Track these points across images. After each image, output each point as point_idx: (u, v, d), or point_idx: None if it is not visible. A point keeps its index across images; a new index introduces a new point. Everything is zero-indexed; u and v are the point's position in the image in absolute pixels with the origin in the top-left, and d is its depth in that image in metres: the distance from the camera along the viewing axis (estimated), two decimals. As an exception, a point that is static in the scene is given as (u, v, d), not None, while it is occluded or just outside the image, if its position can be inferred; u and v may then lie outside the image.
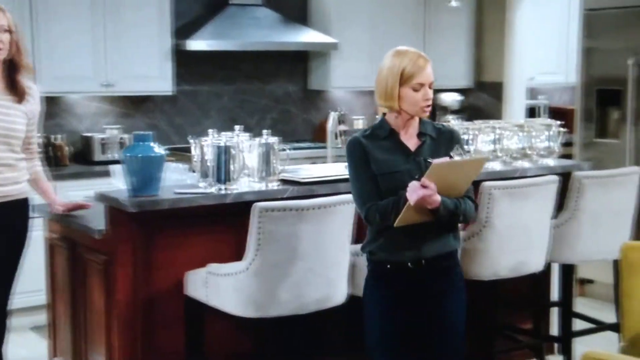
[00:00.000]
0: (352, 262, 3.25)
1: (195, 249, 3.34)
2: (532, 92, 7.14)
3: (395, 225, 2.68)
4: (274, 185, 3.43)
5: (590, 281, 5.43)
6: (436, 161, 2.67)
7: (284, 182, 3.49)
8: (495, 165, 4.03)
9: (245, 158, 3.43)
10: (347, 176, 3.58)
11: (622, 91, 5.10)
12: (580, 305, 4.73)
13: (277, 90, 6.34)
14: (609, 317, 4.22)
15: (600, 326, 4.22)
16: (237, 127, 3.63)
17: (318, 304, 3.10)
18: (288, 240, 2.99)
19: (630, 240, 3.91)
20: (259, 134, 3.51)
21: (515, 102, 6.62)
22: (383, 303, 2.83)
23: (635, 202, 4.00)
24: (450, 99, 6.78)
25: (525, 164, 4.12)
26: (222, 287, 3.09)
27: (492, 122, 4.16)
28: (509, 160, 4.11)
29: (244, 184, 3.43)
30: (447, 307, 2.84)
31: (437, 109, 6.88)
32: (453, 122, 5.02)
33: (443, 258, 2.84)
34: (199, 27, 5.65)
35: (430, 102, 2.78)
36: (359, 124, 6.66)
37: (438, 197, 2.66)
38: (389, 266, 2.82)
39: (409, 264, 2.80)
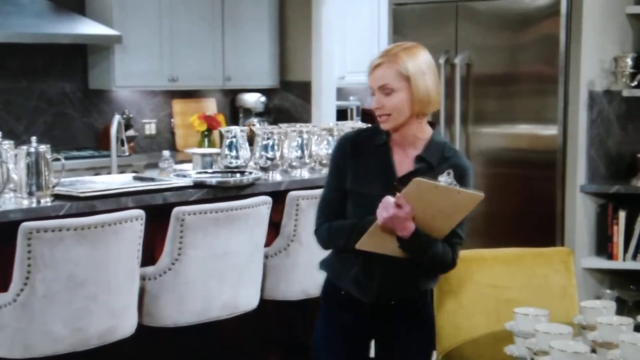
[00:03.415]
0: (141, 287, 3.26)
1: (-53, 281, 3.17)
2: (343, 93, 7.43)
3: (356, 246, 2.51)
4: (46, 202, 3.34)
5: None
6: (420, 178, 2.42)
7: (59, 197, 3.42)
8: (304, 173, 4.15)
9: (10, 170, 3.34)
10: (134, 189, 3.60)
11: (434, 91, 5.42)
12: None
13: (50, 89, 6.15)
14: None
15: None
16: (-2, 133, 3.54)
17: (102, 337, 3.07)
18: (64, 266, 2.94)
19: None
20: (29, 141, 3.42)
21: (325, 104, 6.86)
22: (331, 338, 2.70)
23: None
24: (254, 100, 6.90)
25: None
26: (-17, 324, 2.98)
27: (299, 126, 4.29)
28: (318, 167, 4.25)
29: (8, 201, 3.33)
30: (406, 354, 2.70)
31: (240, 112, 6.98)
32: (258, 126, 5.13)
33: (410, 301, 2.69)
34: (-53, 15, 5.37)
35: (380, 112, 2.64)
36: (151, 128, 6.63)
37: (412, 225, 2.46)
38: (342, 293, 2.67)
39: (363, 298, 2.63)
